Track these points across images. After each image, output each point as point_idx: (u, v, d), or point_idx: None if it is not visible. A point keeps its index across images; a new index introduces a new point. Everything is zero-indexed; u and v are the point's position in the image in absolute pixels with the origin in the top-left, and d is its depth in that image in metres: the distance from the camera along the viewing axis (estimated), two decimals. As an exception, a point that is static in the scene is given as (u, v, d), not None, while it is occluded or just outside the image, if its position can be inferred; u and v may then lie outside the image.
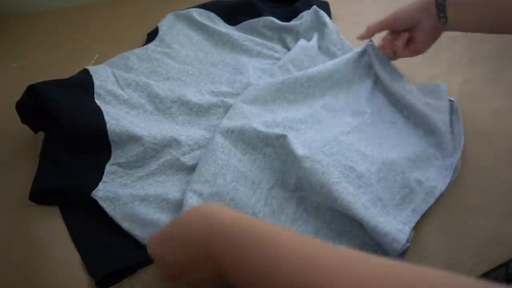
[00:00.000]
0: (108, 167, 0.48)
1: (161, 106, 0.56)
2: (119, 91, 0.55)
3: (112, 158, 0.49)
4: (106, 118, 0.49)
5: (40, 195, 0.46)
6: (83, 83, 0.54)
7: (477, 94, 0.61)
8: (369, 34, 0.59)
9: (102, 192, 0.46)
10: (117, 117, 0.50)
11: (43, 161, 0.50)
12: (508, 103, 0.60)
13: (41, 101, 0.49)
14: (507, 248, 0.43)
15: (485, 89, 0.62)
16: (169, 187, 0.47)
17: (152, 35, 0.69)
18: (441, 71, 0.64)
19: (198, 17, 0.71)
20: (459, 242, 0.44)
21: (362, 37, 0.60)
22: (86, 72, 0.57)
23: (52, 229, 0.44)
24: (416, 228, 0.45)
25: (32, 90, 0.49)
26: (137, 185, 0.48)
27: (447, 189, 0.48)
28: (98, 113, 0.50)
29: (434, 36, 0.55)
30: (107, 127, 0.49)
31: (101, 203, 0.45)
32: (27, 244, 0.43)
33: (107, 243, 0.43)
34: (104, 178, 0.47)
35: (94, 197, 0.45)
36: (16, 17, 0.77)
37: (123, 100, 0.55)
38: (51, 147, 0.51)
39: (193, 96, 0.57)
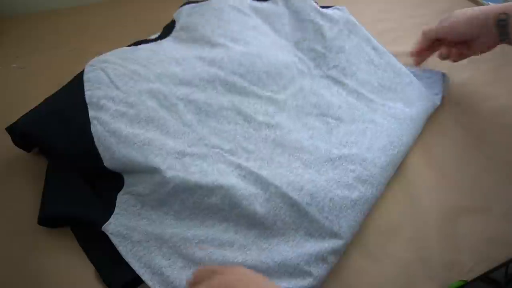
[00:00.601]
0: (119, 197, 0.44)
1: (165, 103, 0.49)
2: (114, 92, 0.48)
3: (124, 186, 0.44)
4: (100, 149, 0.44)
5: (48, 221, 0.44)
6: (73, 99, 0.48)
7: (477, 94, 0.61)
8: (425, 40, 0.56)
9: (114, 226, 0.41)
10: (109, 144, 0.43)
11: (49, 182, 0.46)
12: (509, 102, 0.60)
13: (30, 139, 0.46)
14: (507, 248, 0.44)
15: (485, 89, 0.62)
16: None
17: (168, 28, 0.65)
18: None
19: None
20: (459, 242, 0.44)
21: (419, 50, 0.57)
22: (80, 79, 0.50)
23: (56, 232, 0.44)
24: (416, 227, 0.45)
25: (17, 131, 0.46)
26: (153, 215, 0.43)
27: (447, 189, 0.48)
28: (91, 142, 0.44)
29: (491, 47, 0.54)
30: (103, 162, 0.44)
31: (112, 239, 0.41)
32: (28, 246, 0.43)
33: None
34: (116, 210, 0.43)
35: (105, 231, 0.41)
36: (16, 17, 0.77)
37: (119, 100, 0.47)
38: (57, 167, 0.47)
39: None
